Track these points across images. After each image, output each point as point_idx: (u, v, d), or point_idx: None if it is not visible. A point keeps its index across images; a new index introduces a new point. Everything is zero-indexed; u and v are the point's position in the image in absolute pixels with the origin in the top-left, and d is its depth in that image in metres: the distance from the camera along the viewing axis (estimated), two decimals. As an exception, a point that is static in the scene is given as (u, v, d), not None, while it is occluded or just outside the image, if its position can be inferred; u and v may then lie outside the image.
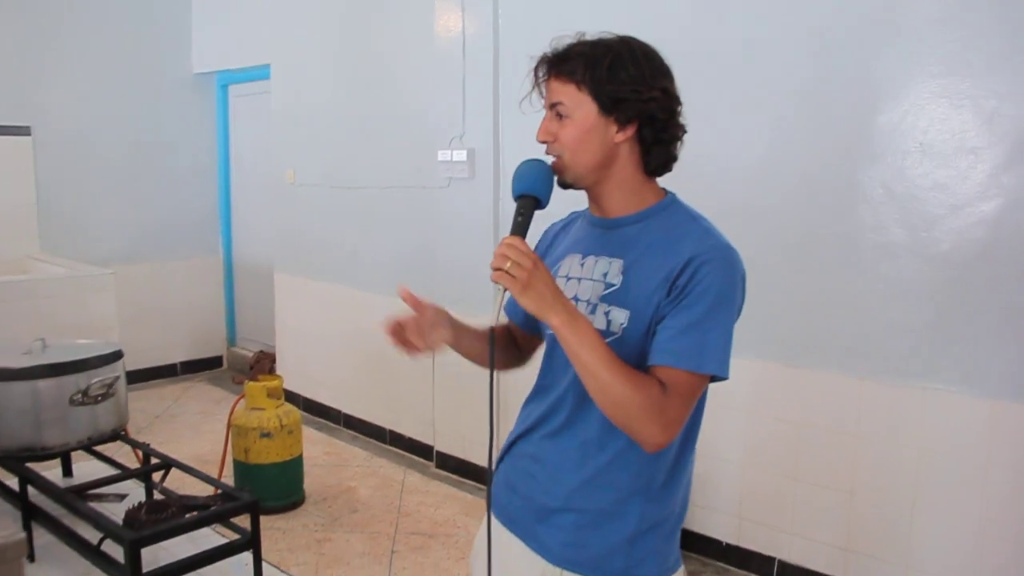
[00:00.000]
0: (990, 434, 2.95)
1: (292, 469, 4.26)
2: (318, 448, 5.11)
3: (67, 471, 3.07)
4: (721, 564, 3.68)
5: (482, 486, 4.43)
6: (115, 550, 2.30)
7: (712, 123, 3.50)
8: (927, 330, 3.06)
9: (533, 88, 1.65)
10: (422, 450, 4.92)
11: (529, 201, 1.54)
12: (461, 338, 1.76)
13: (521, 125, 4.30)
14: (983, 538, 2.98)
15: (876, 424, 3.21)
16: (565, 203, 1.74)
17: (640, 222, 1.61)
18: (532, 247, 1.63)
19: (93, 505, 2.49)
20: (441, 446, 4.76)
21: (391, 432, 5.14)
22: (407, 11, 4.77)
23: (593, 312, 1.56)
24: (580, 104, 1.56)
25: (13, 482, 2.72)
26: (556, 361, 1.66)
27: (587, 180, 1.60)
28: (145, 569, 2.20)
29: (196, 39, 6.67)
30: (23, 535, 1.56)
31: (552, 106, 1.59)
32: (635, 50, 1.61)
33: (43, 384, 2.72)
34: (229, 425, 4.21)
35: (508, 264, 1.40)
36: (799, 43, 3.30)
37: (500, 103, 4.34)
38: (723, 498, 3.67)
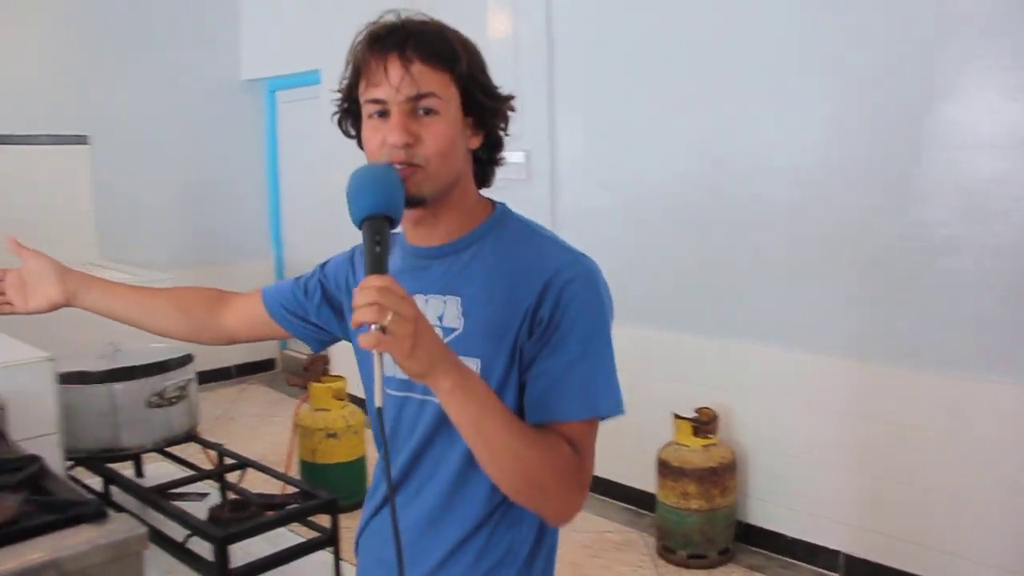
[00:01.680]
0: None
1: (357, 468, 4.31)
2: (375, 448, 5.10)
3: (139, 472, 3.13)
4: (786, 559, 3.64)
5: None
6: (200, 547, 2.34)
7: (767, 119, 3.48)
8: (994, 323, 3.02)
9: (355, 74, 1.29)
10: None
11: (383, 223, 1.14)
12: (90, 295, 1.55)
13: (576, 126, 4.32)
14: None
15: (941, 418, 3.16)
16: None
17: (472, 245, 1.31)
18: (344, 261, 1.48)
19: (177, 504, 2.53)
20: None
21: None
22: (458, 14, 4.73)
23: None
24: (451, 99, 1.25)
25: (94, 482, 2.78)
26: (398, 419, 1.36)
27: (439, 196, 1.26)
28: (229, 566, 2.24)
29: (245, 46, 6.73)
30: (144, 529, 1.60)
31: (416, 98, 1.22)
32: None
33: (120, 387, 2.78)
34: (295, 426, 4.26)
35: (388, 318, 1.02)
36: (858, 37, 3.27)
37: (555, 104, 4.33)
38: (787, 492, 3.63)
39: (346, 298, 1.48)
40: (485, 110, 1.30)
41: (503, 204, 1.38)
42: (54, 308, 1.55)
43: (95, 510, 1.60)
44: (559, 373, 1.21)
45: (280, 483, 2.85)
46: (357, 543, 1.51)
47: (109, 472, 2.76)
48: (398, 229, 1.26)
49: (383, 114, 1.24)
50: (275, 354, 7.29)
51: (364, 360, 1.36)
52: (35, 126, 5.67)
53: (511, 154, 4.38)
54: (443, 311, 1.29)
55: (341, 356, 6.04)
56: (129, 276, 5.28)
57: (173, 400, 2.85)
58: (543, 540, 1.34)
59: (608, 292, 1.29)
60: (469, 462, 1.24)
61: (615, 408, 1.25)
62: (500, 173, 4.14)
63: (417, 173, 1.22)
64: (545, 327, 1.22)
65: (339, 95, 1.36)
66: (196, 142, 6.56)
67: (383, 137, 1.23)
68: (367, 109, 1.27)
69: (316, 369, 6.27)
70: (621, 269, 4.16)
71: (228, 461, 2.86)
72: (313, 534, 2.51)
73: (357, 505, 4.15)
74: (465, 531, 1.30)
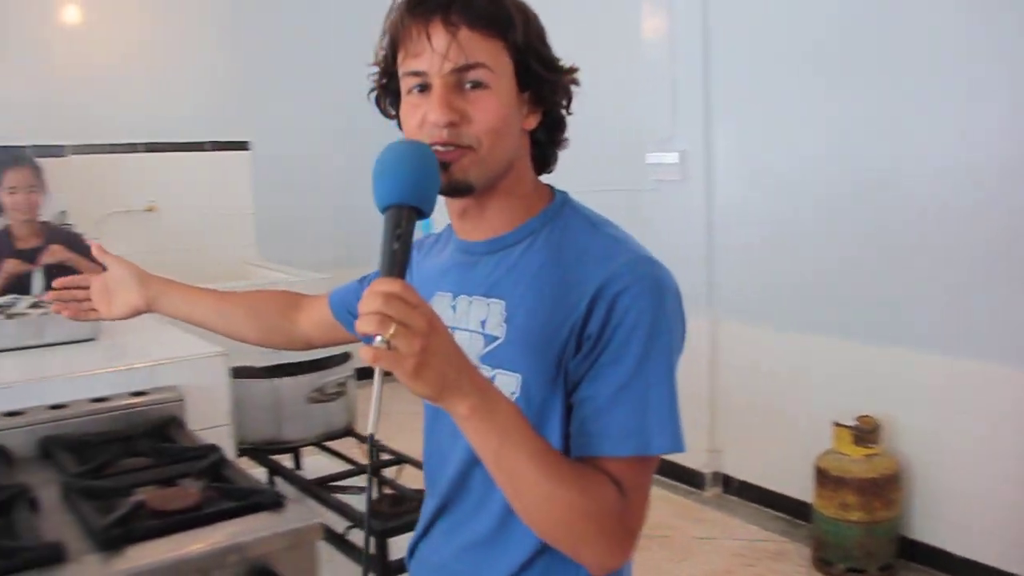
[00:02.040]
0: None
1: None
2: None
3: (298, 464, 3.23)
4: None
5: (693, 488, 4.36)
6: (358, 539, 2.40)
7: (935, 114, 3.31)
8: None
9: (392, 43, 1.11)
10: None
11: (410, 214, 0.96)
12: (170, 300, 1.53)
13: (732, 126, 4.22)
14: None
15: None
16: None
17: (524, 240, 1.14)
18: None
19: (338, 496, 2.60)
20: (650, 448, 4.68)
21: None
22: (611, 13, 4.75)
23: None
24: (504, 72, 1.07)
25: (258, 472, 2.88)
26: (438, 438, 1.22)
27: (489, 184, 1.10)
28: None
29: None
30: (318, 521, 1.64)
31: (463, 69, 1.04)
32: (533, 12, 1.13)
33: (284, 383, 2.88)
34: None
35: (391, 331, 0.87)
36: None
37: (711, 104, 4.25)
38: (955, 507, 3.42)
39: None
40: (544, 84, 1.12)
41: (564, 193, 1.20)
42: (136, 313, 1.54)
43: (272, 499, 1.65)
44: (606, 400, 1.03)
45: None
46: (408, 563, 1.35)
47: (273, 463, 2.87)
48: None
49: (424, 88, 1.07)
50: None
51: None
52: (200, 133, 5.98)
53: (664, 155, 4.36)
54: (486, 315, 1.12)
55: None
56: (287, 276, 5.51)
57: (332, 396, 2.94)
58: None
59: (677, 304, 1.09)
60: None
61: (671, 444, 1.05)
62: (653, 173, 4.08)
63: (466, 156, 1.05)
64: (594, 344, 1.03)
65: (375, 69, 1.17)
66: (350, 146, 6.73)
67: (423, 114, 1.06)
68: (406, 83, 1.09)
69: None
70: (778, 272, 4.06)
71: (386, 457, 2.91)
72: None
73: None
74: (514, 567, 1.13)
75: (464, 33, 1.03)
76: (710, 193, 4.26)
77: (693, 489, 4.37)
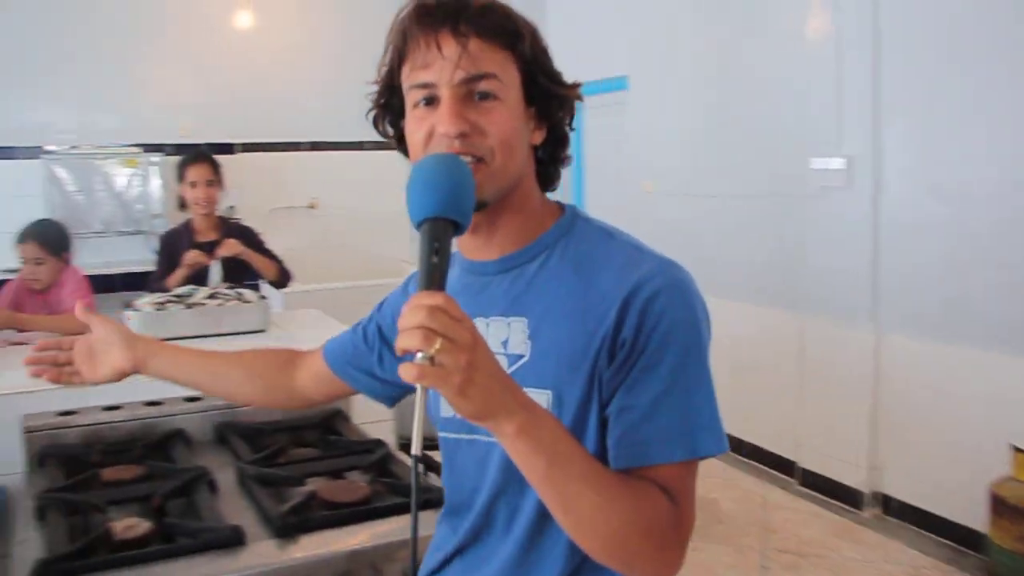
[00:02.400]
0: None
1: None
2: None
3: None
4: None
5: (850, 507, 4.18)
6: None
7: None
8: None
9: (396, 56, 1.09)
10: (782, 465, 4.72)
11: (446, 228, 0.95)
12: (159, 362, 1.44)
13: (903, 130, 4.03)
14: None
15: None
16: None
17: (538, 256, 1.11)
18: (400, 294, 1.32)
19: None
20: (806, 463, 4.53)
21: (749, 444, 4.99)
22: (775, 15, 4.62)
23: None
24: (513, 84, 1.07)
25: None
26: (461, 470, 1.19)
27: (500, 199, 1.08)
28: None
29: (551, 52, 6.89)
30: None
31: (473, 79, 1.03)
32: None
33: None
34: None
35: (436, 346, 0.84)
36: None
37: (880, 106, 4.06)
38: None
39: None
40: (551, 99, 1.12)
41: (573, 206, 1.17)
42: (122, 376, 1.45)
43: (440, 497, 1.66)
44: (648, 408, 1.00)
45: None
46: None
47: (429, 460, 2.90)
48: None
49: (431, 101, 1.05)
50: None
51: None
52: (359, 133, 6.06)
53: (830, 160, 4.20)
54: (507, 335, 1.09)
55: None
56: None
57: None
58: None
59: (704, 306, 1.06)
60: (544, 514, 1.04)
61: (717, 446, 1.02)
62: (818, 179, 3.92)
63: (480, 170, 1.03)
64: (629, 352, 1.01)
65: (375, 86, 1.14)
66: None
67: (431, 127, 1.04)
68: (412, 96, 1.07)
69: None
70: (951, 285, 3.84)
71: None
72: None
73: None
74: None
75: (474, 43, 1.02)
76: (877, 201, 4.07)
77: (849, 508, 4.18)
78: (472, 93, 1.03)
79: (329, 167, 6.57)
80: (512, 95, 1.06)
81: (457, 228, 0.95)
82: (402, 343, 0.85)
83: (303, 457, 1.97)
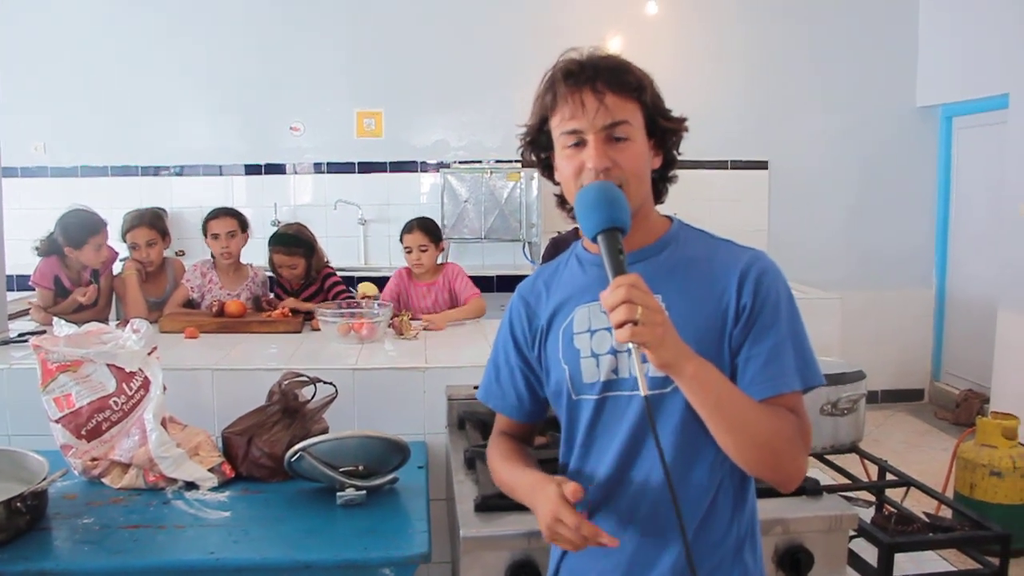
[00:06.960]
0: None
1: (1020, 512, 3.86)
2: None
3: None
4: None
5: None
6: (860, 549, 2.40)
7: None
8: None
9: (552, 104, 1.38)
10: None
11: (617, 233, 1.27)
12: None
13: None
14: None
15: None
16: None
17: (659, 253, 1.42)
18: (517, 301, 1.54)
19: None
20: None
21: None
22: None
23: (644, 362, 1.22)
24: (639, 125, 1.37)
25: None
26: (596, 433, 1.42)
27: (634, 215, 1.34)
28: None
29: (921, 72, 6.49)
30: (855, 511, 1.84)
31: (611, 126, 1.34)
32: None
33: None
34: (954, 457, 4.11)
35: (639, 312, 1.14)
36: None
37: None
38: None
39: (539, 332, 1.50)
40: (667, 132, 1.41)
41: (676, 217, 1.47)
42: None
43: (814, 486, 1.87)
44: (775, 351, 1.31)
45: (932, 506, 3.08)
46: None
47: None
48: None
49: (579, 144, 1.35)
50: (925, 384, 6.73)
51: (560, 399, 1.45)
52: (724, 152, 6.46)
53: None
54: None
55: (1006, 396, 5.24)
56: (800, 294, 5.31)
57: (844, 411, 2.90)
58: (754, 530, 1.44)
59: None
60: (681, 453, 1.34)
61: (821, 378, 1.34)
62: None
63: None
64: (749, 313, 1.32)
65: (526, 127, 1.46)
66: (867, 167, 6.63)
67: (580, 163, 1.34)
68: (563, 140, 1.37)
69: (970, 407, 5.88)
70: None
71: (890, 477, 2.88)
72: (972, 565, 2.58)
73: (1018, 552, 3.73)
74: (691, 534, 1.33)
75: (610, 98, 1.34)
76: None
77: None
78: (611, 136, 1.34)
79: (693, 184, 5.89)
80: (639, 135, 1.37)
81: (623, 232, 1.27)
82: (617, 317, 1.16)
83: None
